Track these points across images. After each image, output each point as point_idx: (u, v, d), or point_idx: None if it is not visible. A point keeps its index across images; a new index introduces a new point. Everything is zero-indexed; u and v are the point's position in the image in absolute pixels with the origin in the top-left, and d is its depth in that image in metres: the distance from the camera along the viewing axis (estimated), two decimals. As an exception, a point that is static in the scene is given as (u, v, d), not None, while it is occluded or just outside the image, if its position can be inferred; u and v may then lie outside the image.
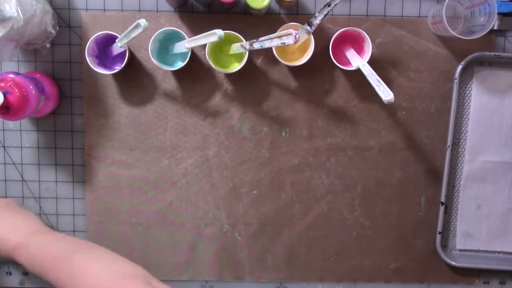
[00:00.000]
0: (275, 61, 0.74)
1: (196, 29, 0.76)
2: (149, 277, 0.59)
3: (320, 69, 0.77)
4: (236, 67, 0.73)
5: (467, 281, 0.80)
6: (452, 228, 0.80)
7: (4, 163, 0.79)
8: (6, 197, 0.80)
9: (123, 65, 0.73)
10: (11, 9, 0.61)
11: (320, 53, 0.75)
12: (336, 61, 0.72)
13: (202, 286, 0.81)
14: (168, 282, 0.80)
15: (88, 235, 0.80)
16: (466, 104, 0.78)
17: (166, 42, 0.74)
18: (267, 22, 0.76)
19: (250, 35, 0.71)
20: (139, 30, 0.63)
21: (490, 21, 0.69)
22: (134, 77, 0.77)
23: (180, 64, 0.73)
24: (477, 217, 0.79)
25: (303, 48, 0.74)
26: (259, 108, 0.78)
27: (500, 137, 0.78)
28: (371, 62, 0.71)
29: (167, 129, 0.78)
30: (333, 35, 0.72)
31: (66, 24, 0.77)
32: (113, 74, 0.77)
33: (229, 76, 0.77)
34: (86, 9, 0.77)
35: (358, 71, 0.71)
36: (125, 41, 0.68)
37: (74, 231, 0.80)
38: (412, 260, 0.80)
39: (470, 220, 0.79)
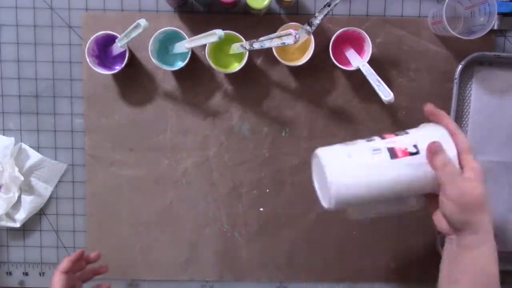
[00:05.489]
0: (275, 61, 0.74)
1: (196, 29, 0.76)
2: None
3: (320, 69, 0.77)
4: (236, 67, 0.73)
5: (467, 281, 0.80)
6: (452, 228, 0.80)
7: (4, 163, 0.79)
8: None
9: (123, 65, 0.72)
10: None
11: (320, 53, 0.75)
12: (336, 61, 0.72)
13: (202, 286, 0.81)
14: (168, 282, 0.81)
15: (88, 235, 0.80)
16: (466, 104, 0.78)
17: (166, 42, 0.74)
18: (267, 22, 0.76)
19: (250, 35, 0.71)
20: (139, 30, 0.63)
21: (490, 21, 0.69)
22: (134, 77, 0.77)
23: (180, 64, 0.73)
24: (477, 217, 0.79)
25: (303, 48, 0.74)
26: (259, 108, 0.78)
27: (500, 137, 0.78)
28: (371, 62, 0.71)
29: (167, 129, 0.78)
30: (333, 35, 0.72)
31: (66, 24, 0.77)
32: (113, 74, 0.76)
33: (229, 76, 0.77)
34: (86, 9, 0.77)
35: (358, 71, 0.71)
36: (125, 41, 0.68)
37: (74, 231, 0.80)
38: (412, 260, 0.80)
39: (470, 220, 0.79)
